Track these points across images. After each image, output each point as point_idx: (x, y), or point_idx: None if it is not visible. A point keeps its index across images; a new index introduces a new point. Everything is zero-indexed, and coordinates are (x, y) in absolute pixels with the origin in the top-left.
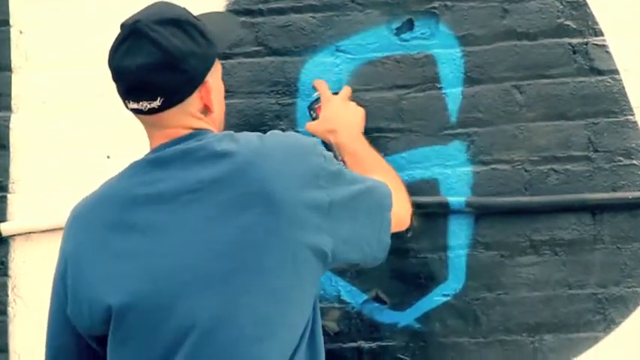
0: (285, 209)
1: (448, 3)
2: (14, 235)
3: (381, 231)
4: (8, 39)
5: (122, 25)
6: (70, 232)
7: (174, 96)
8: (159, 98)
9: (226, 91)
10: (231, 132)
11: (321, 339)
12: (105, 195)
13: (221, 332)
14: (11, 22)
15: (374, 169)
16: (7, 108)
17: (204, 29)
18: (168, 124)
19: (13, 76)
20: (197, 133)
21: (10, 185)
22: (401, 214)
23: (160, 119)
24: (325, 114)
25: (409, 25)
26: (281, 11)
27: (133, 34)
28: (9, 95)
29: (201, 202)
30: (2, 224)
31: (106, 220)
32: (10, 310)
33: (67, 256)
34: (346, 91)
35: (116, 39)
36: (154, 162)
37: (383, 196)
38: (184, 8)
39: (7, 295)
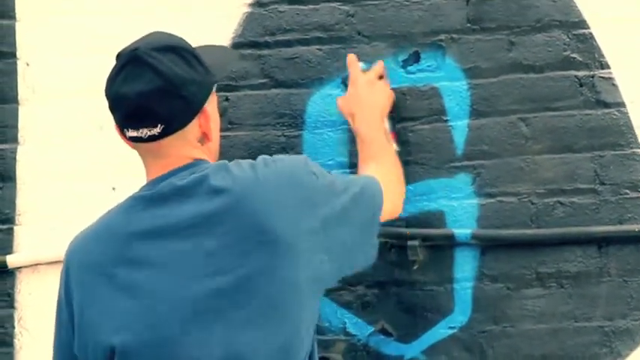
0: (281, 241)
1: (454, 36)
2: (20, 267)
3: (373, 236)
4: (15, 71)
5: (119, 55)
6: (71, 269)
7: (174, 123)
8: (159, 125)
9: (232, 123)
10: (225, 162)
11: None
12: (103, 230)
13: None
14: (18, 54)
15: (375, 156)
16: (14, 140)
17: (201, 58)
18: (166, 152)
19: (19, 108)
20: (192, 164)
21: (16, 217)
22: (390, 209)
23: (159, 147)
24: (350, 94)
25: (415, 58)
26: (287, 43)
27: (131, 62)
28: (16, 127)
29: (199, 238)
30: (8, 256)
31: (105, 256)
32: (16, 342)
33: (69, 293)
34: (377, 68)
35: (114, 67)
36: (150, 198)
37: (373, 197)
38: (181, 37)
39: (14, 327)
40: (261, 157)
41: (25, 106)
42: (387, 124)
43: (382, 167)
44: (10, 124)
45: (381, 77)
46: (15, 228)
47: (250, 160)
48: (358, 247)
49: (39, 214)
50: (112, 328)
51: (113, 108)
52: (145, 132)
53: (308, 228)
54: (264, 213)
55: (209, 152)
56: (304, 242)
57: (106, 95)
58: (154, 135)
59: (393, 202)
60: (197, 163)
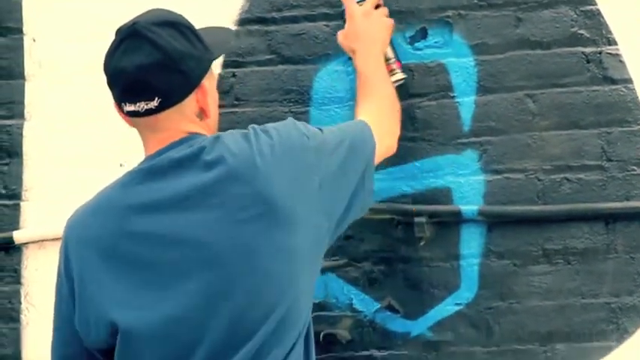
0: (279, 209)
1: (462, 12)
2: (27, 243)
3: (367, 183)
4: (22, 47)
5: (118, 30)
6: (70, 244)
7: (171, 96)
8: (156, 98)
9: (239, 99)
10: (219, 134)
11: (312, 336)
12: (101, 205)
13: (232, 336)
14: (24, 30)
15: (370, 94)
16: (21, 116)
17: (200, 34)
18: (164, 126)
19: (26, 84)
20: (188, 138)
21: (23, 193)
22: (383, 150)
23: (156, 121)
24: (348, 29)
25: (422, 34)
26: (294, 19)
27: (130, 36)
28: (22, 103)
29: (195, 210)
30: (15, 232)
31: (104, 230)
32: (22, 317)
33: (69, 268)
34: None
35: (113, 42)
36: (148, 172)
37: (365, 144)
38: (181, 14)
39: (20, 303)
40: (251, 127)
41: (32, 82)
42: (390, 54)
43: (376, 106)
44: (17, 99)
45: (377, 7)
46: (21, 204)
47: (242, 131)
48: (354, 199)
49: (45, 189)
50: (113, 304)
51: (111, 83)
52: (142, 106)
53: (305, 193)
54: (261, 183)
55: (207, 128)
56: (302, 208)
57: (105, 70)
58: (151, 109)
59: (386, 142)
60: (193, 136)
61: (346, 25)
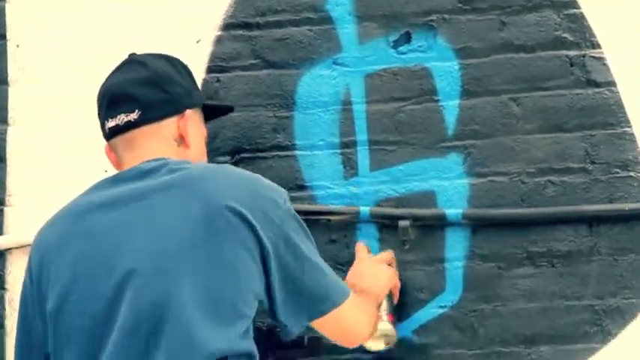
0: (221, 215)
1: (446, 16)
2: (11, 249)
3: (306, 318)
4: (5, 52)
5: None
6: (32, 258)
7: (151, 111)
8: (136, 111)
9: None
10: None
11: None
12: (66, 211)
13: (132, 338)
14: (8, 35)
15: (360, 293)
16: (4, 121)
17: (193, 76)
18: (140, 144)
19: (9, 89)
20: (162, 159)
21: (6, 198)
22: (356, 323)
23: (134, 139)
24: (352, 269)
25: (406, 38)
26: (278, 24)
27: (126, 63)
28: (6, 108)
29: (148, 207)
30: None
31: (59, 235)
32: (7, 323)
33: (31, 281)
34: (385, 255)
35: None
36: (114, 179)
37: (335, 291)
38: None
39: (4, 309)
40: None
41: (15, 87)
42: (384, 305)
43: (360, 301)
44: (0, 105)
45: (389, 265)
46: (5, 209)
47: None
48: (292, 308)
49: (29, 195)
50: (54, 302)
51: (100, 102)
52: (122, 118)
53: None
54: (213, 189)
55: (184, 156)
56: (243, 222)
57: (97, 99)
58: (131, 121)
59: (362, 325)
60: (166, 158)
61: (353, 266)
